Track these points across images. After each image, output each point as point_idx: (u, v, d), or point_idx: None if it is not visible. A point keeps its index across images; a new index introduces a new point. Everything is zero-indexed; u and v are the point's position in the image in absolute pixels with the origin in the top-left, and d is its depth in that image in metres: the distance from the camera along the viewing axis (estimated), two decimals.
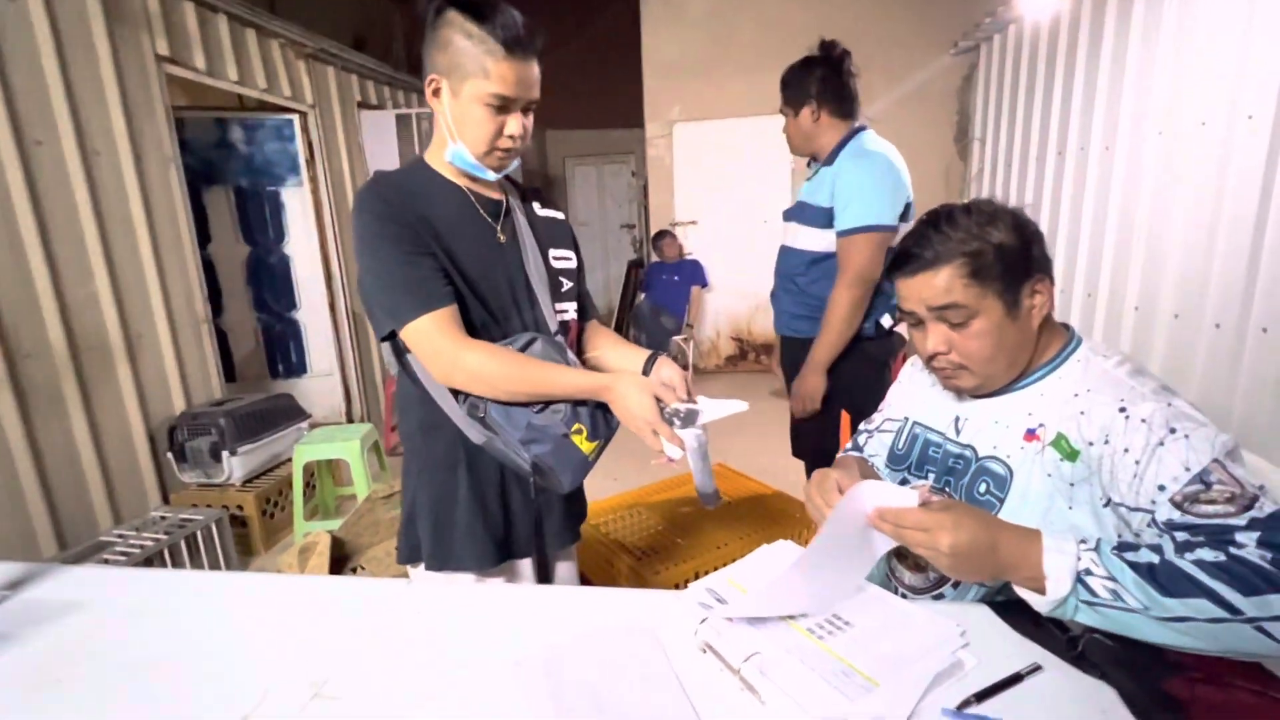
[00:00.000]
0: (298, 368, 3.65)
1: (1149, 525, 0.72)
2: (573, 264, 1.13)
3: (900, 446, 1.02)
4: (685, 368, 4.97)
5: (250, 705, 0.69)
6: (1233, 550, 0.63)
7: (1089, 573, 0.66)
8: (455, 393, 0.96)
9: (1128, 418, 0.75)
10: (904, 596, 0.94)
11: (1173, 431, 0.72)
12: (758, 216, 4.73)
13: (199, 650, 0.80)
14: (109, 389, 2.33)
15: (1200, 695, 0.58)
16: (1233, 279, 2.19)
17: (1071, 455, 0.79)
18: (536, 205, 1.12)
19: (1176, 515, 0.69)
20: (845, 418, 1.74)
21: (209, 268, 3.27)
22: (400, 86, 4.44)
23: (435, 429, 0.99)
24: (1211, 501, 0.67)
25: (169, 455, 2.49)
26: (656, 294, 4.74)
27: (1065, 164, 3.20)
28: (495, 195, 1.05)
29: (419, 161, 1.03)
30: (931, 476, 0.94)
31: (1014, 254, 0.82)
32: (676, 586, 1.35)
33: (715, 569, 0.90)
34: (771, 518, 2.04)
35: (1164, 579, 0.62)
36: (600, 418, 0.99)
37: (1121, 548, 0.67)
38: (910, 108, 4.52)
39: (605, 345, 1.17)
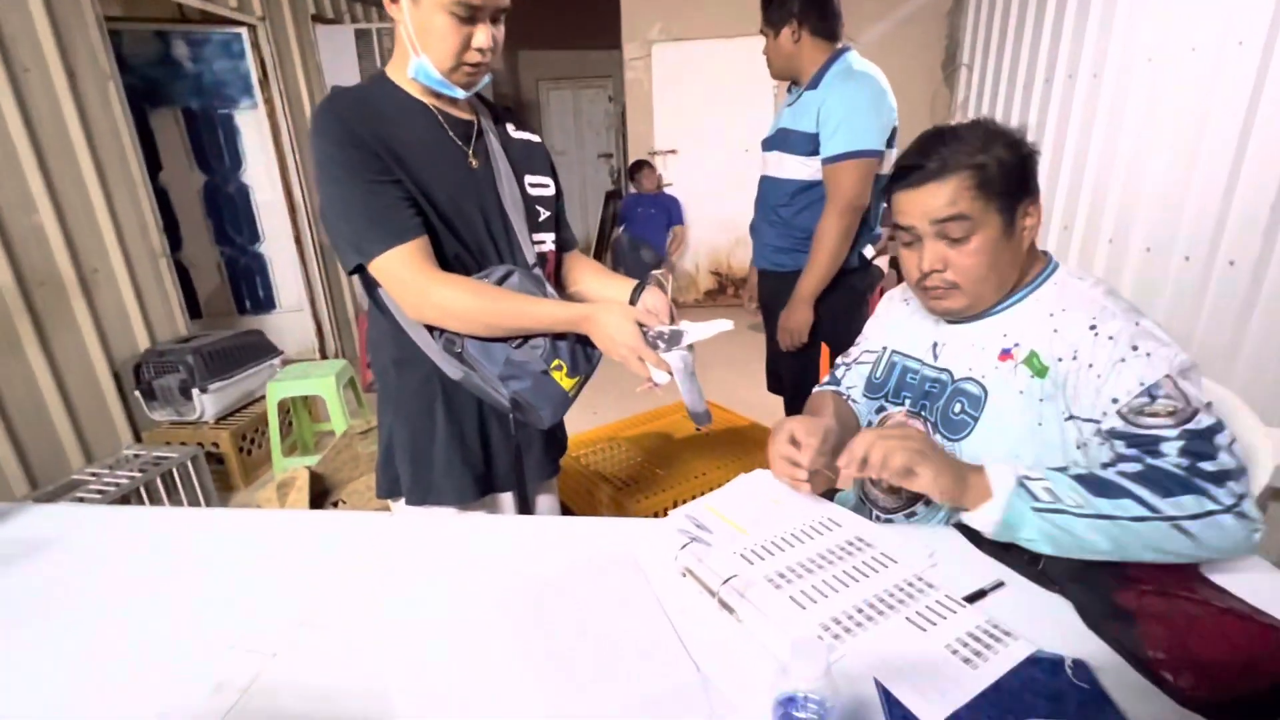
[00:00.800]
0: (265, 303, 3.54)
1: (1095, 434, 0.76)
2: (550, 191, 1.08)
3: (878, 375, 1.03)
4: None
5: (235, 636, 0.70)
6: (1150, 460, 0.70)
7: (1028, 478, 0.71)
8: (430, 328, 0.93)
9: (1096, 334, 0.77)
10: (878, 519, 0.97)
11: (1135, 349, 0.75)
12: (739, 145, 4.59)
13: (181, 584, 0.80)
14: (66, 326, 2.24)
15: (1146, 605, 0.62)
16: (1206, 212, 2.21)
17: (1041, 372, 0.81)
18: (510, 127, 1.05)
19: (1120, 424, 0.74)
20: (825, 351, 1.75)
21: (163, 198, 3.10)
22: None
23: (410, 364, 0.97)
24: (1154, 414, 0.72)
25: (137, 393, 2.43)
26: (634, 227, 4.64)
27: (1052, 92, 3.13)
28: (465, 115, 0.99)
29: (380, 76, 0.95)
30: (908, 401, 0.96)
31: (1014, 172, 0.82)
32: (656, 515, 1.39)
33: (694, 498, 0.92)
34: (749, 449, 2.08)
35: (1092, 483, 0.69)
36: (580, 352, 0.98)
37: (1055, 468, 0.73)
38: (898, 31, 4.33)
39: (587, 277, 1.14)
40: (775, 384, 1.99)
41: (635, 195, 4.77)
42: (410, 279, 0.88)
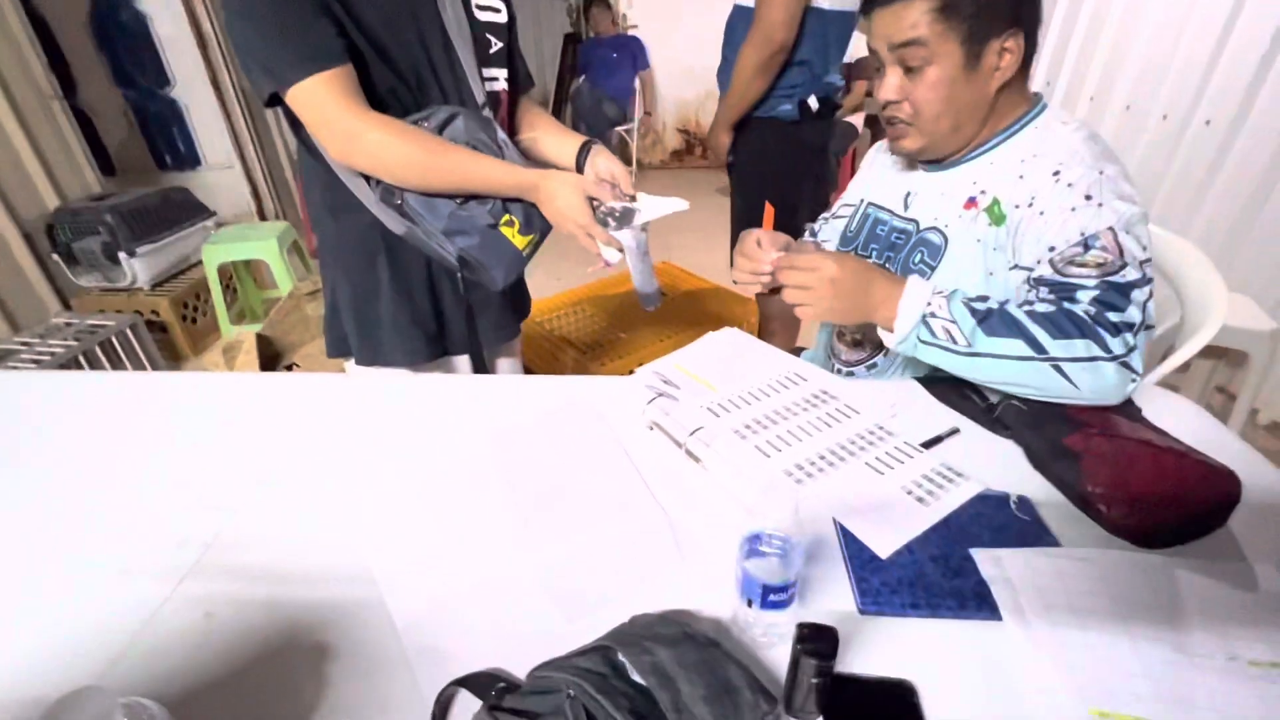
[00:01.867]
0: (188, 158, 3.19)
1: (1024, 282, 0.76)
2: (502, 17, 0.93)
3: (852, 228, 1.00)
4: (628, 162, 4.65)
5: (195, 496, 0.68)
6: (1065, 304, 0.70)
7: (934, 315, 0.72)
8: (365, 175, 0.84)
9: (1057, 180, 0.75)
10: (839, 372, 0.99)
11: (1088, 198, 0.72)
12: None
13: (134, 448, 0.77)
14: None
15: (1092, 447, 0.65)
16: (1191, 71, 2.14)
17: (1000, 220, 0.79)
18: None
19: (1048, 272, 0.73)
20: (768, 210, 1.69)
21: (42, 28, 2.64)
22: None
23: (347, 212, 0.88)
24: (1083, 264, 0.71)
25: (55, 257, 2.24)
26: (595, 75, 4.24)
27: None
28: None
29: None
30: (874, 253, 0.94)
31: (993, 0, 0.73)
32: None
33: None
34: (714, 312, 2.08)
35: (994, 323, 0.70)
36: (535, 210, 0.90)
37: (976, 299, 0.73)
38: None
39: (541, 127, 1.03)
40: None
41: (594, 39, 4.32)
42: (335, 116, 0.77)
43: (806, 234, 1.10)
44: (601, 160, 0.92)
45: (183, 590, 0.58)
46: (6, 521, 0.66)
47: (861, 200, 1.00)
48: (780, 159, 1.65)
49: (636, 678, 0.41)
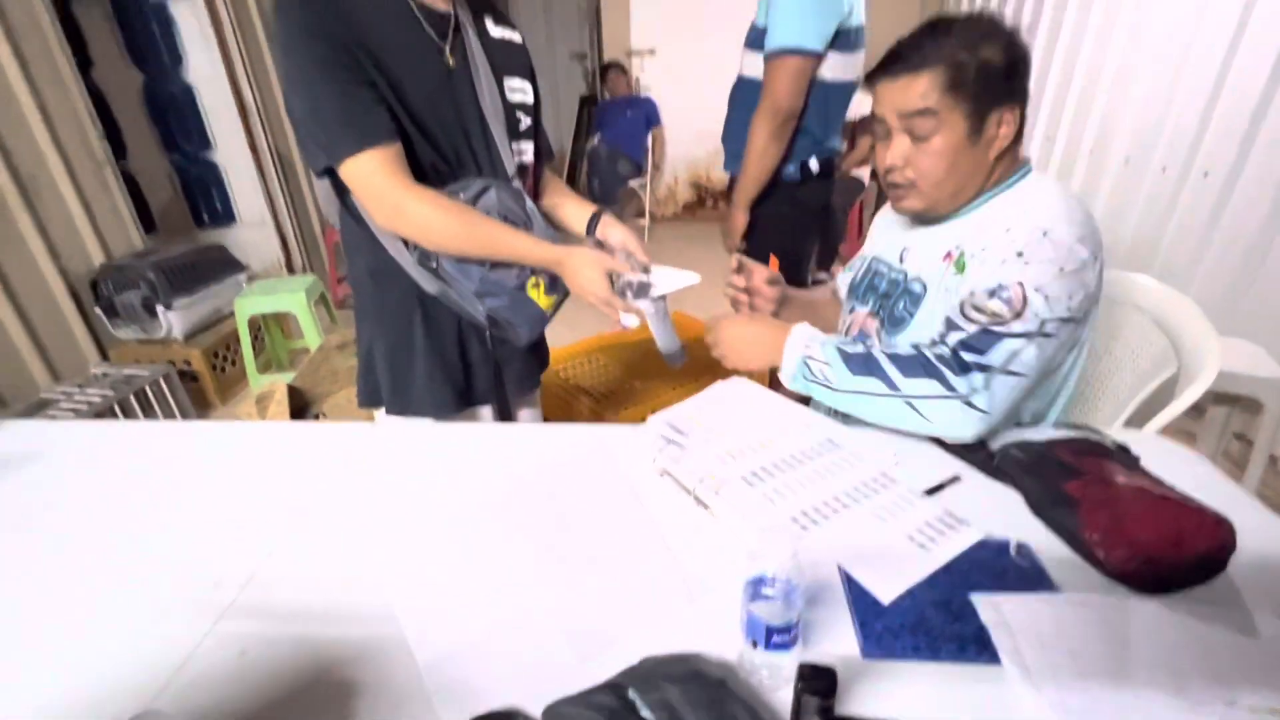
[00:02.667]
0: (224, 216, 3.36)
1: (941, 321, 0.83)
2: (530, 97, 1.02)
3: (857, 279, 1.05)
4: (641, 215, 4.80)
5: (229, 540, 0.73)
6: (924, 348, 0.80)
7: (811, 358, 0.83)
8: (405, 240, 0.91)
9: (1007, 234, 0.80)
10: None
11: (1019, 255, 0.78)
12: (724, 46, 4.33)
13: (170, 494, 0.82)
14: (11, 240, 2.12)
15: (1090, 493, 0.67)
16: (1187, 123, 2.21)
17: (961, 268, 0.85)
18: (489, 21, 0.98)
19: (955, 314, 0.80)
20: (773, 262, 1.76)
21: (99, 100, 2.85)
22: None
23: (387, 275, 0.95)
24: (979, 309, 0.78)
25: (98, 310, 2.35)
26: (610, 134, 4.44)
27: None
28: (442, 6, 0.91)
29: None
30: (871, 302, 0.99)
31: (994, 76, 0.80)
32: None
33: None
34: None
35: (857, 364, 0.80)
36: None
37: (848, 343, 0.84)
38: None
39: (559, 194, 1.12)
40: None
41: (610, 100, 4.54)
42: (383, 188, 0.85)
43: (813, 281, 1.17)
44: (615, 231, 1.00)
45: (220, 629, 0.61)
46: (51, 565, 0.70)
47: (869, 255, 1.06)
48: (784, 217, 1.74)
49: (647, 714, 0.43)
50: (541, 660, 0.56)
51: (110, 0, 2.93)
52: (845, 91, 1.63)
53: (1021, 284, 0.77)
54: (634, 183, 4.50)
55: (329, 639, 0.59)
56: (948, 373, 0.76)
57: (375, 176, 0.84)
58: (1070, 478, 0.70)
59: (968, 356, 0.77)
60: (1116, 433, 0.84)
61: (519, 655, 0.57)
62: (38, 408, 1.84)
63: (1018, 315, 0.76)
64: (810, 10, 1.46)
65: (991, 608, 0.59)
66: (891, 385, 0.78)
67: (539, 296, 0.94)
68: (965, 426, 0.77)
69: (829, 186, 1.80)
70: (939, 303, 0.87)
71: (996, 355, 0.76)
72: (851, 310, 1.04)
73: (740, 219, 1.72)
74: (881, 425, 0.82)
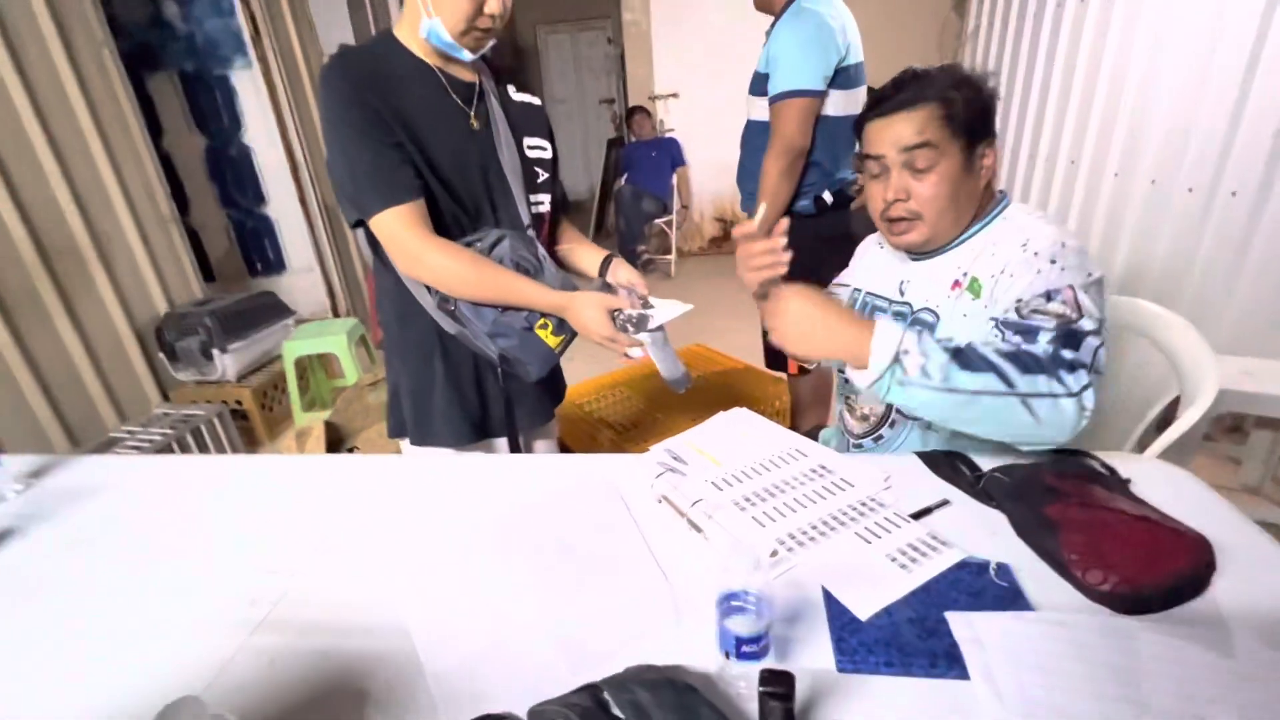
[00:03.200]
0: (276, 265, 3.60)
1: (991, 326, 0.83)
2: (548, 154, 1.11)
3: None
4: (668, 251, 4.89)
5: (265, 562, 0.80)
6: (1024, 345, 0.77)
7: (906, 352, 0.74)
8: (427, 285, 1.00)
9: (1025, 249, 0.84)
10: (850, 446, 1.05)
11: (1053, 262, 0.81)
12: (742, 87, 4.46)
13: (214, 521, 0.90)
14: (87, 293, 2.33)
15: (1070, 516, 0.69)
16: (1211, 142, 2.18)
17: (977, 292, 0.88)
18: (511, 89, 1.08)
19: (1013, 316, 0.82)
20: None
21: (167, 163, 3.13)
22: None
23: (411, 318, 1.04)
24: (1044, 312, 0.79)
25: (161, 355, 2.55)
26: (636, 174, 4.59)
27: (1063, 17, 3.02)
28: (469, 77, 1.01)
29: (387, 35, 0.98)
30: None
31: (978, 112, 0.87)
32: None
33: None
34: (746, 392, 2.16)
35: (965, 357, 0.74)
36: None
37: (944, 339, 0.77)
38: None
39: (573, 241, 1.20)
40: (771, 359, 2.04)
41: (636, 142, 4.71)
42: (405, 240, 0.94)
43: None
44: (622, 271, 1.09)
45: (252, 642, 0.68)
46: (110, 582, 0.79)
47: (856, 287, 1.09)
48: (801, 248, 1.78)
49: (618, 713, 0.47)
50: (536, 671, 0.61)
51: (180, 75, 3.24)
52: (849, 125, 1.70)
53: (1072, 287, 0.80)
54: (660, 220, 4.63)
55: (348, 651, 0.65)
56: (1061, 370, 0.74)
57: (399, 230, 0.93)
58: (1052, 500, 0.72)
59: (1068, 354, 0.75)
60: (1116, 458, 0.85)
61: (516, 667, 0.62)
62: (106, 445, 2.00)
63: (1080, 316, 0.78)
64: (810, 54, 1.56)
65: (965, 625, 0.61)
66: (1007, 381, 0.72)
67: (547, 336, 1.01)
68: (1073, 425, 0.74)
69: (846, 216, 1.85)
70: (956, 329, 0.89)
71: (1086, 353, 0.75)
72: None
73: None
74: (978, 428, 0.77)
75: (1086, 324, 0.78)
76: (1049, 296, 0.80)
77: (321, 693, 0.61)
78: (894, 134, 0.88)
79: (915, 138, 0.86)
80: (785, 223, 0.88)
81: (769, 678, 0.48)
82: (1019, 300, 0.82)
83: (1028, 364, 0.74)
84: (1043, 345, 0.77)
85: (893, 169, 0.89)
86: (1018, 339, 0.79)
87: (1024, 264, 0.83)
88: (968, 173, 0.88)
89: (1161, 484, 0.80)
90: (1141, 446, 1.00)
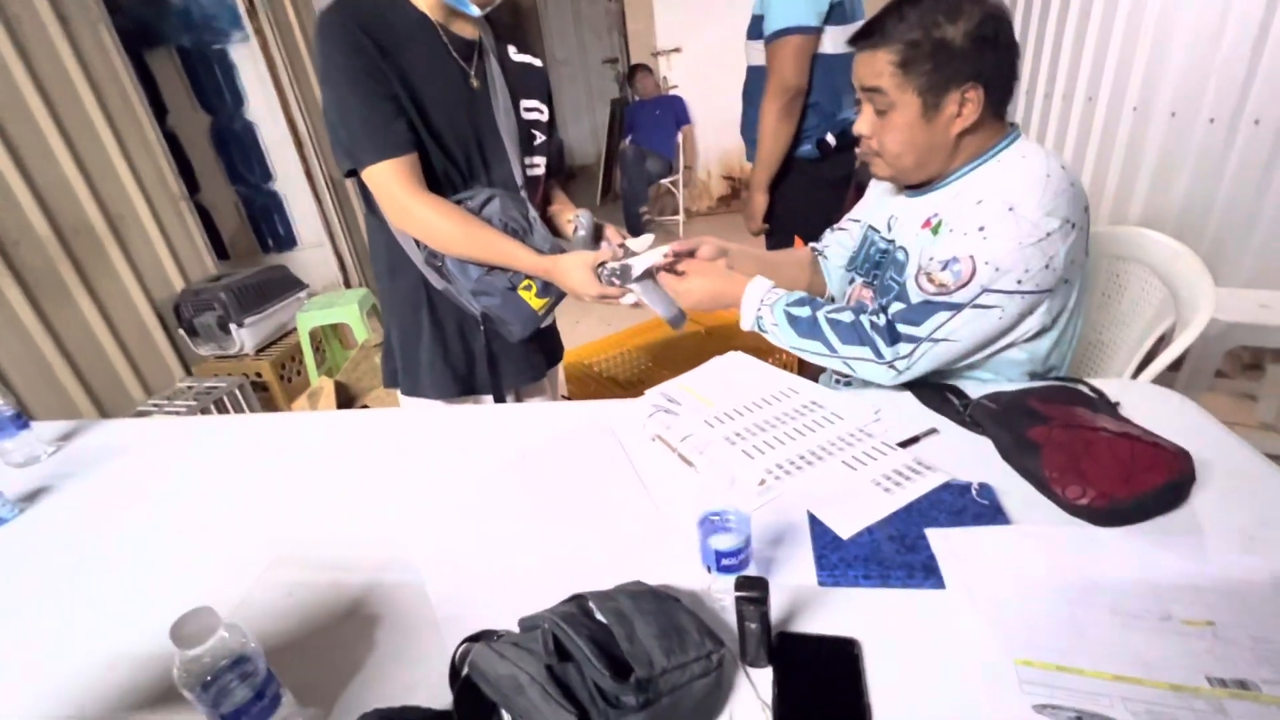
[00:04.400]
0: (286, 241, 3.64)
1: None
2: (544, 116, 1.11)
3: (855, 249, 1.08)
4: (675, 211, 4.83)
5: (283, 507, 0.84)
6: (861, 315, 0.88)
7: (760, 315, 0.93)
8: (416, 240, 1.01)
9: (978, 206, 0.81)
10: (838, 382, 1.06)
11: (980, 229, 0.80)
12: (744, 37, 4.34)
13: (236, 473, 0.95)
14: (105, 271, 2.39)
15: (1052, 436, 0.70)
16: (1233, 71, 2.09)
17: (937, 233, 0.87)
18: (512, 49, 1.07)
19: (909, 281, 0.86)
20: (798, 243, 1.79)
21: (174, 142, 3.15)
22: None
23: (400, 270, 1.06)
24: (930, 280, 0.83)
25: (180, 331, 2.62)
26: (641, 134, 4.51)
27: None
28: (470, 34, 1.00)
29: None
30: (868, 271, 1.02)
31: (954, 55, 0.79)
32: None
33: None
34: (751, 345, 2.16)
35: (803, 326, 0.90)
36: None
37: (796, 303, 0.91)
38: None
39: (559, 203, 1.20)
40: None
41: (639, 101, 4.62)
42: (396, 193, 0.95)
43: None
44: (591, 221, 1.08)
45: (271, 575, 0.72)
46: (147, 526, 0.84)
47: (861, 221, 1.09)
48: (807, 195, 1.77)
49: (600, 618, 0.50)
50: (531, 595, 0.64)
51: (178, 50, 3.23)
52: (849, 62, 1.66)
53: (973, 257, 0.79)
54: (666, 180, 4.57)
55: (358, 583, 0.69)
56: (880, 342, 0.86)
57: (390, 182, 0.94)
58: (1036, 424, 0.72)
59: (901, 328, 0.85)
60: (1109, 384, 0.86)
61: (513, 592, 0.65)
62: (134, 418, 2.08)
63: (962, 287, 0.80)
64: None
65: (943, 539, 0.63)
66: (830, 349, 0.88)
67: (530, 298, 1.02)
68: (886, 380, 0.88)
69: (852, 158, 1.81)
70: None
71: (927, 326, 0.83)
72: (851, 281, 1.08)
73: (760, 200, 1.77)
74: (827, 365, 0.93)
75: (957, 296, 0.81)
76: (945, 265, 0.81)
77: (336, 618, 0.66)
78: (859, 71, 0.86)
79: (872, 80, 0.84)
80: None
81: (744, 583, 0.50)
82: (929, 259, 0.84)
83: (849, 334, 0.87)
84: (885, 315, 0.86)
85: (864, 102, 0.88)
86: (884, 300, 0.89)
87: (963, 221, 0.82)
88: (928, 120, 0.83)
89: (1149, 405, 0.81)
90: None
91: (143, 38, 3.17)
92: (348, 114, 0.92)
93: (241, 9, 3.18)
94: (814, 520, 0.68)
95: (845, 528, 0.66)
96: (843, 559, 0.63)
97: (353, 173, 0.97)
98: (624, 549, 0.70)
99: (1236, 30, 2.07)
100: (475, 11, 0.95)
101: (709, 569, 0.58)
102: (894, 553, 0.63)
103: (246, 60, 3.29)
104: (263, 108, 3.38)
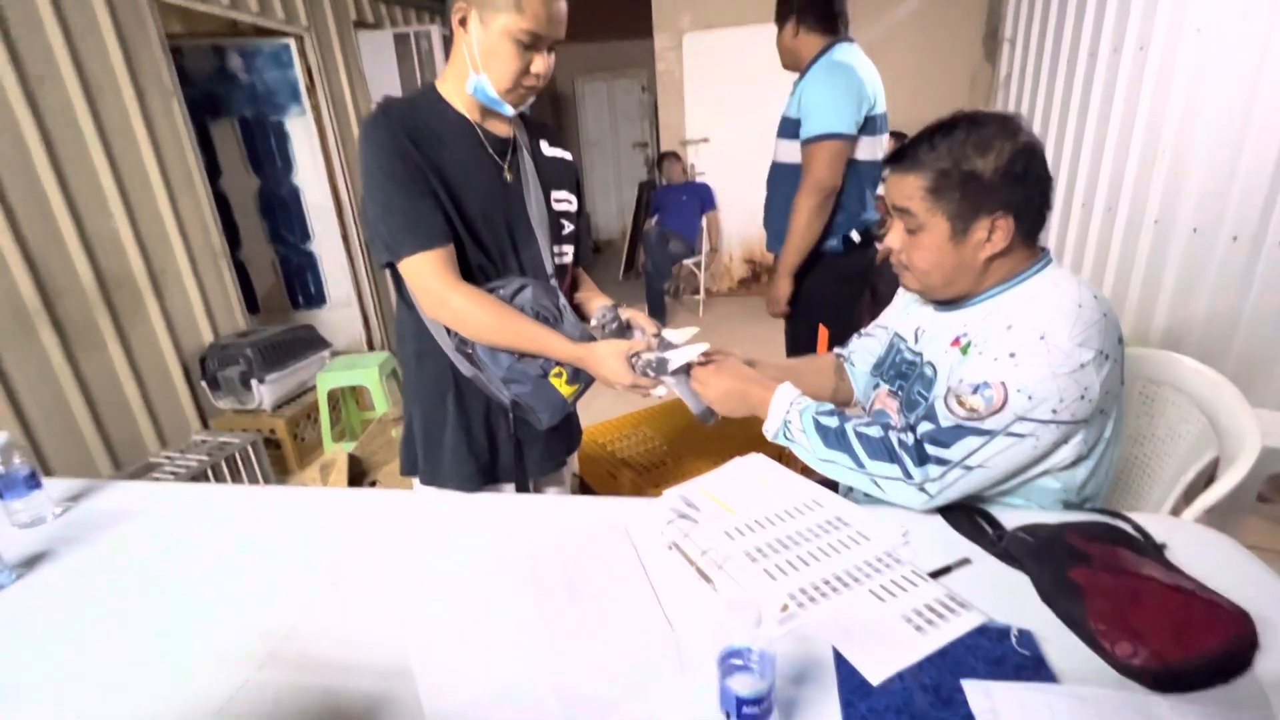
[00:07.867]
0: (316, 299, 3.74)
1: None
2: (573, 206, 1.15)
3: (882, 355, 1.08)
4: (697, 292, 4.93)
5: (277, 595, 0.81)
6: (890, 432, 0.86)
7: (789, 422, 0.91)
8: (447, 328, 1.02)
9: (1008, 331, 0.81)
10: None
11: (1011, 355, 0.79)
12: (770, 132, 4.55)
13: (233, 551, 0.92)
14: (141, 323, 2.45)
15: (1096, 581, 0.65)
16: (1255, 190, 2.13)
17: (966, 353, 0.86)
18: (544, 143, 1.12)
19: (939, 402, 0.84)
20: (823, 332, 1.81)
21: (222, 202, 3.31)
22: (395, 2, 4.26)
23: (428, 357, 1.06)
24: (961, 403, 0.81)
25: (203, 384, 2.65)
26: (667, 216, 4.67)
27: (1096, 67, 3.01)
28: (505, 132, 1.05)
29: (429, 89, 1.03)
30: (893, 380, 1.01)
31: (982, 186, 0.81)
32: None
33: None
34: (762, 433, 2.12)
35: (831, 438, 0.87)
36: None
37: (826, 413, 0.89)
38: (936, 6, 4.22)
39: (587, 290, 1.23)
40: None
41: (667, 185, 4.81)
42: (432, 283, 0.97)
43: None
44: (626, 312, 1.09)
45: (259, 676, 0.68)
46: (126, 610, 0.81)
47: (888, 328, 1.10)
48: (831, 287, 1.84)
49: None
50: None
51: (239, 120, 3.46)
52: (875, 170, 1.76)
53: (1005, 383, 0.78)
54: (689, 261, 4.68)
55: (351, 691, 0.66)
56: (908, 461, 0.83)
57: (426, 273, 0.96)
58: (1077, 563, 0.68)
59: (930, 449, 0.82)
60: (1151, 520, 0.81)
61: (516, 716, 0.61)
62: (145, 470, 2.07)
63: (995, 413, 0.78)
64: (842, 100, 1.65)
65: (983, 695, 0.58)
66: (858, 463, 0.85)
67: (560, 385, 1.02)
68: (916, 504, 0.85)
69: (871, 255, 1.91)
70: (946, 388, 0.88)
71: (957, 451, 0.81)
72: (876, 386, 1.06)
73: (784, 286, 1.83)
74: (852, 485, 0.90)
75: (989, 423, 0.79)
76: (977, 389, 0.80)
77: None
78: (893, 190, 0.89)
79: (903, 200, 0.87)
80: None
81: None
82: (959, 381, 0.82)
83: (878, 450, 0.84)
84: (914, 435, 0.84)
85: (895, 218, 0.90)
86: (914, 416, 0.87)
87: (995, 346, 0.80)
88: (956, 244, 0.84)
89: (1200, 550, 0.76)
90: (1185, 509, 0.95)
91: (209, 108, 3.40)
92: (389, 212, 0.96)
93: (302, 86, 3.41)
94: (840, 659, 0.64)
95: (875, 672, 0.62)
96: (872, 709, 0.58)
97: (389, 264, 0.99)
98: (635, 674, 0.65)
99: (1257, 146, 2.11)
100: (510, 111, 1.00)
101: (728, 715, 0.53)
102: (928, 705, 0.58)
103: (300, 130, 3.50)
104: (310, 173, 3.56)
